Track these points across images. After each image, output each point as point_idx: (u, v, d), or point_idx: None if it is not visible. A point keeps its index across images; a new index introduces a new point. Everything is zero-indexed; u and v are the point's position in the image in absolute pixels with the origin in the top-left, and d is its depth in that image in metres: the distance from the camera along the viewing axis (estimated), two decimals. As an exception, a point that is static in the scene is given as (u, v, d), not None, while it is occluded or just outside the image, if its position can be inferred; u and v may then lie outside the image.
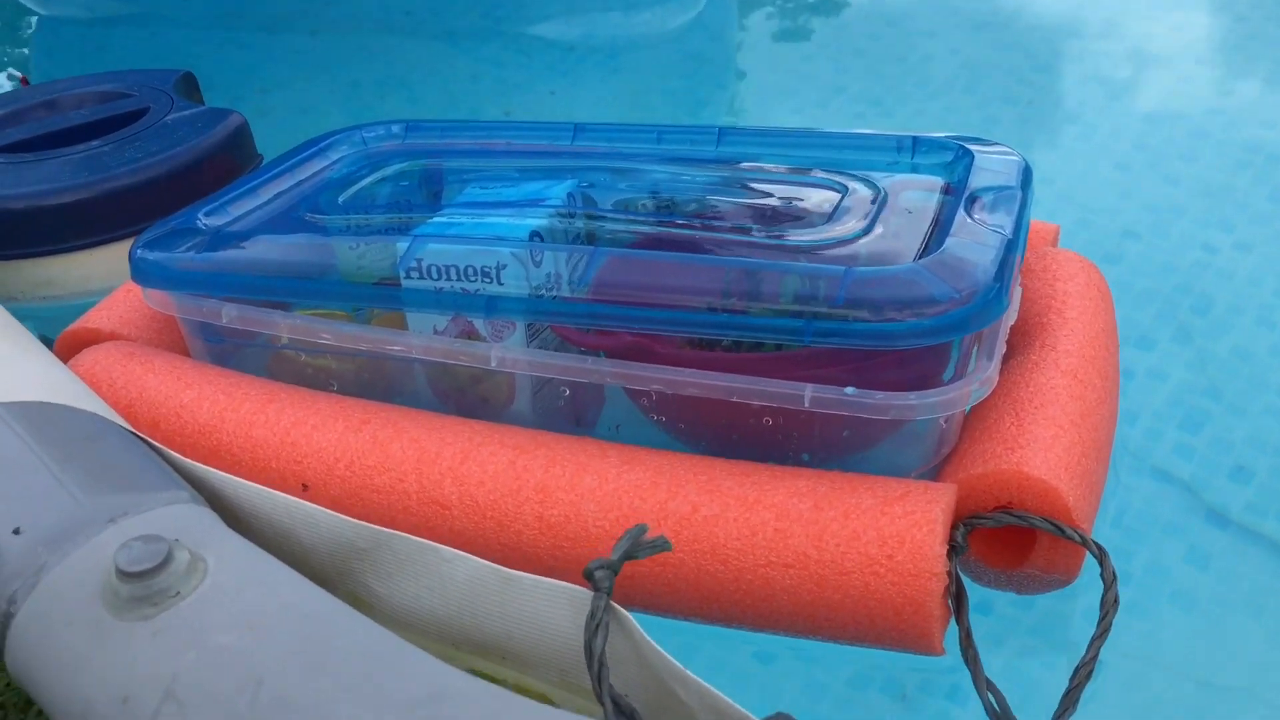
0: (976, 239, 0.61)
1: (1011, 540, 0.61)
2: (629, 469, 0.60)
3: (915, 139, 0.75)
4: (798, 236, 0.65)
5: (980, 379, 0.58)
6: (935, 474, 0.63)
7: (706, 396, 0.60)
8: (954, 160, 0.73)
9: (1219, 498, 0.81)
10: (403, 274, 0.66)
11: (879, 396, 0.57)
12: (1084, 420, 0.62)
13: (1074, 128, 1.30)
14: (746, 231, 0.67)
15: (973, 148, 0.73)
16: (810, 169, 0.75)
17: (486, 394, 0.68)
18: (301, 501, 0.54)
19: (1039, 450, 0.59)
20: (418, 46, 1.62)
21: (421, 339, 0.67)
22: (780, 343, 0.59)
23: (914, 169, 0.75)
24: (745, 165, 0.77)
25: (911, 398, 0.57)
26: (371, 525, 0.52)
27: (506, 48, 1.57)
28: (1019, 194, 0.67)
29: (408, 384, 0.71)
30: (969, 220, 0.63)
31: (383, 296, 0.68)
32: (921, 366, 0.61)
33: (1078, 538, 0.56)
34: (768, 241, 0.65)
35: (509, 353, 0.64)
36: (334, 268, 0.70)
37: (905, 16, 1.54)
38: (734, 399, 0.59)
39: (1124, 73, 1.37)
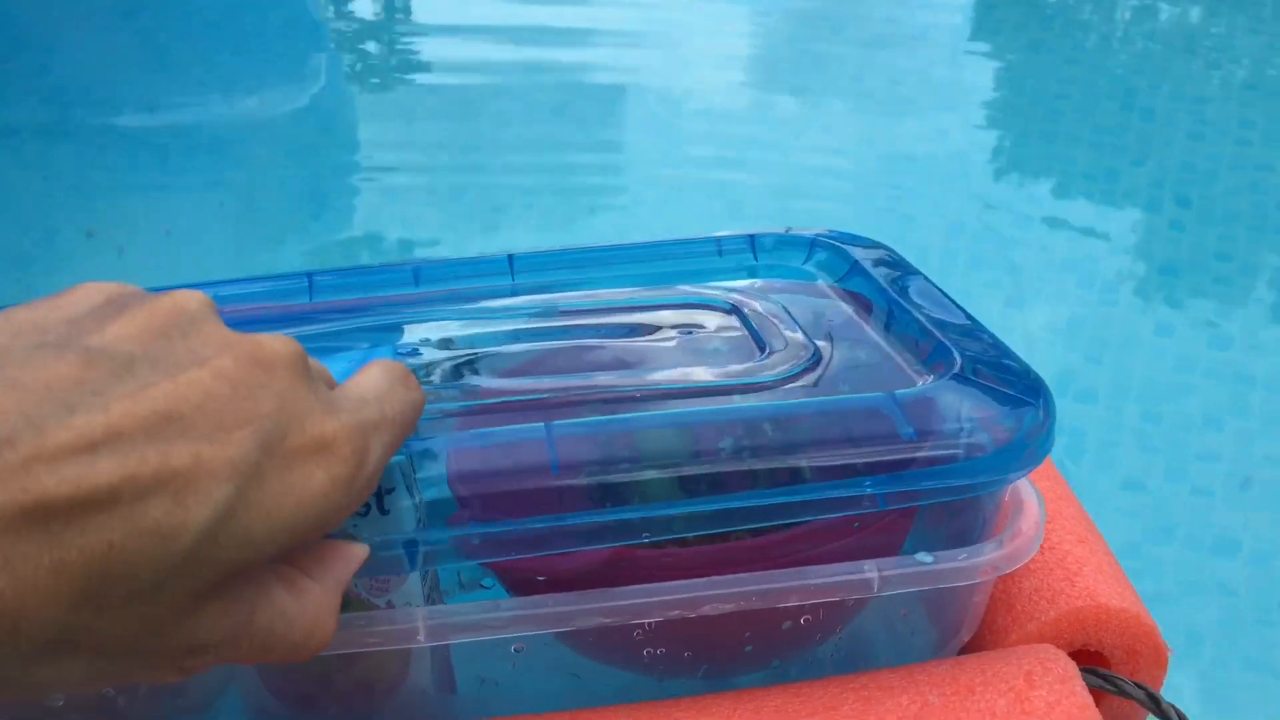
0: (967, 341, 0.51)
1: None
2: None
3: (751, 237, 0.64)
4: (748, 374, 0.50)
5: (1039, 502, 0.48)
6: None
7: (743, 609, 0.43)
8: (811, 254, 0.63)
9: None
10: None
11: (962, 556, 0.44)
12: (1088, 519, 0.55)
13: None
14: (679, 379, 0.51)
15: (826, 239, 0.63)
16: (656, 288, 0.61)
17: (365, 676, 0.45)
18: None
19: (1095, 572, 0.50)
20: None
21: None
22: (831, 514, 0.44)
23: (754, 272, 0.63)
24: (574, 296, 0.60)
25: (988, 550, 0.45)
26: None
27: (84, 143, 1.23)
28: (926, 279, 0.58)
29: (211, 684, 0.45)
30: (932, 322, 0.52)
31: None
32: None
33: (1175, 716, 0.47)
34: (716, 384, 0.50)
35: (431, 619, 0.42)
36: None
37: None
38: (788, 603, 0.43)
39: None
